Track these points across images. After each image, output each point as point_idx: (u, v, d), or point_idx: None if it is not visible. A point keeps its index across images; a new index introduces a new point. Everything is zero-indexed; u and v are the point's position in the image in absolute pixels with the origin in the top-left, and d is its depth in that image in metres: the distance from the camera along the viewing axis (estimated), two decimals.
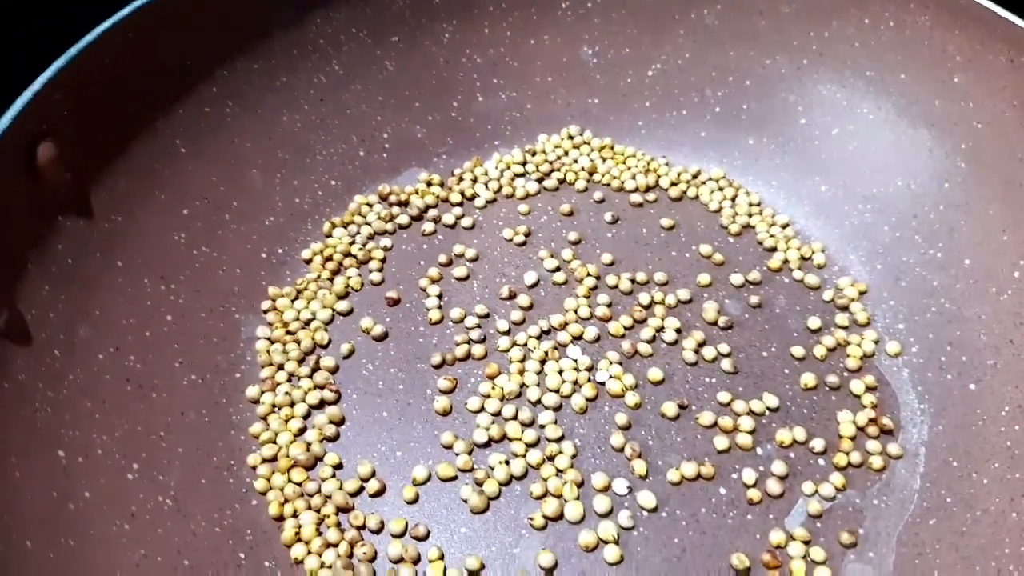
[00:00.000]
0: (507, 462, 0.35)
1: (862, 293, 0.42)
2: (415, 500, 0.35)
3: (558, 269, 0.42)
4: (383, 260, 0.43)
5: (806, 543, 0.34)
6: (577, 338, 0.40)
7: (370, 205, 0.45)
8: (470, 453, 0.36)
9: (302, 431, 0.36)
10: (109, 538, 0.29)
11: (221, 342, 0.38)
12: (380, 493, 0.35)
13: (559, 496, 0.34)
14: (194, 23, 0.39)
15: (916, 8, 0.41)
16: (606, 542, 0.33)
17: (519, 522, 0.34)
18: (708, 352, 0.39)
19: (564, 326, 0.40)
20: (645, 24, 0.47)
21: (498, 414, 0.37)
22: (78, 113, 0.34)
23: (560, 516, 0.34)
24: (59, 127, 0.33)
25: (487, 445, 0.36)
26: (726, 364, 0.39)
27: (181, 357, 0.37)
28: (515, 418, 0.37)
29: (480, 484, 0.35)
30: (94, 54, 0.35)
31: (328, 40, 0.44)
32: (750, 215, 0.45)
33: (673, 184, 0.46)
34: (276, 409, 0.37)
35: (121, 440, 0.32)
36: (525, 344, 0.39)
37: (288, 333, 0.39)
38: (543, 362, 0.39)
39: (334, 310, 0.40)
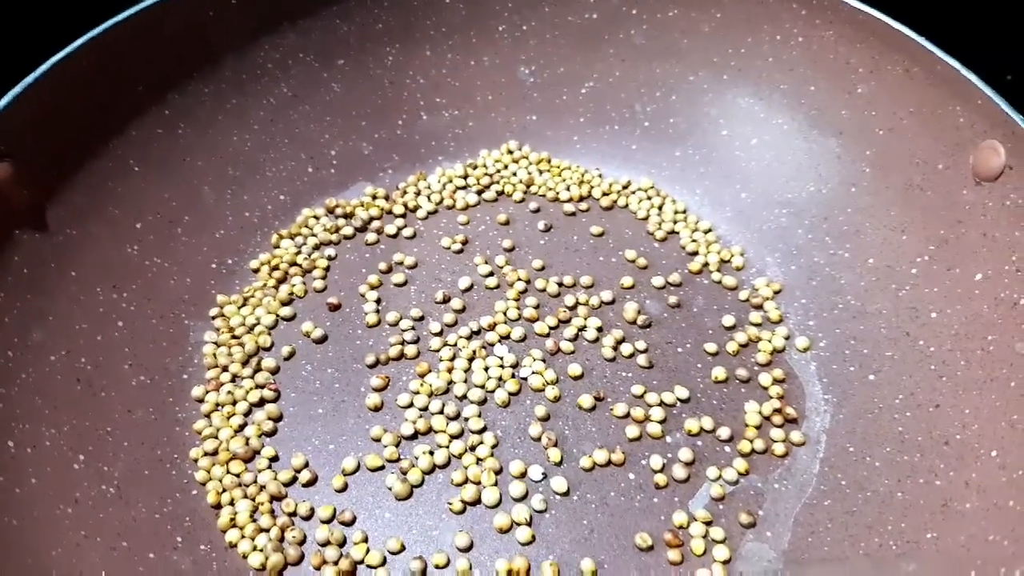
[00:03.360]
0: (431, 452, 0.38)
1: (777, 292, 0.44)
2: (344, 489, 0.37)
3: (491, 274, 0.45)
4: (327, 269, 0.46)
5: (707, 524, 0.36)
6: (505, 338, 0.42)
7: (317, 218, 0.47)
8: (397, 445, 0.38)
9: (242, 427, 0.39)
10: (52, 520, 0.32)
11: (171, 346, 0.41)
12: (312, 483, 0.37)
13: (477, 483, 0.37)
14: (146, 50, 0.42)
15: (821, 24, 0.44)
16: (519, 524, 0.36)
17: (440, 507, 0.37)
18: (626, 349, 0.42)
19: (493, 327, 0.43)
20: (577, 44, 0.50)
21: (425, 409, 0.40)
22: (35, 136, 0.37)
23: (478, 501, 0.37)
24: (16, 149, 0.36)
25: (414, 437, 0.39)
26: (642, 359, 0.41)
27: (131, 360, 0.39)
28: (441, 412, 0.39)
29: (404, 473, 0.37)
30: (50, 81, 0.38)
31: (276, 64, 0.47)
32: (675, 222, 0.48)
33: (605, 194, 0.49)
34: (219, 407, 0.40)
35: (69, 434, 0.35)
36: (455, 344, 0.42)
37: (233, 337, 0.42)
38: (471, 360, 0.41)
39: (278, 315, 0.43)
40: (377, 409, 0.40)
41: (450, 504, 0.36)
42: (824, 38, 0.44)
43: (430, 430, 0.39)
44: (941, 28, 0.42)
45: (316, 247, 0.46)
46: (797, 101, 0.46)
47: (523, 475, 0.37)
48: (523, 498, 0.37)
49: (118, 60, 0.41)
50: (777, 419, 0.39)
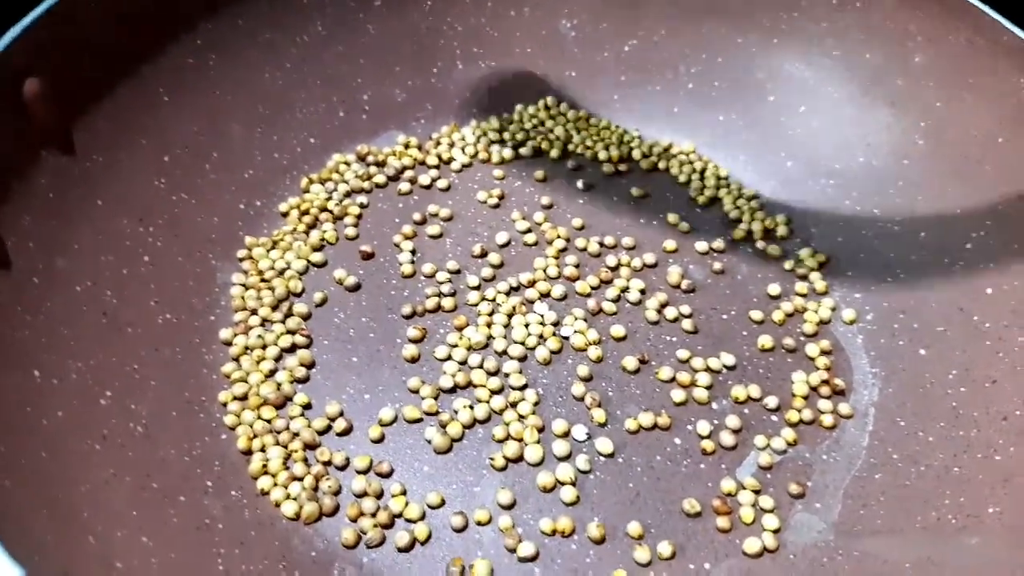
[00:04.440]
0: (471, 407, 0.36)
1: (822, 264, 0.43)
2: (381, 440, 0.36)
3: (529, 231, 0.44)
4: (359, 216, 0.44)
5: (756, 492, 0.35)
6: (545, 295, 0.41)
7: (348, 164, 0.46)
8: (436, 398, 0.37)
9: (273, 372, 0.37)
10: (80, 455, 0.30)
11: (197, 286, 0.39)
12: (347, 432, 0.36)
13: (520, 440, 0.36)
14: None
15: None
16: (563, 483, 0.35)
17: (480, 463, 0.35)
18: (670, 312, 0.40)
19: (532, 283, 0.41)
20: (622, 0, 0.49)
21: (464, 363, 0.38)
22: (64, 54, 0.35)
23: (520, 458, 0.35)
24: (45, 65, 0.34)
25: (452, 391, 0.37)
26: (687, 324, 0.40)
27: (156, 297, 0.37)
28: (481, 367, 0.38)
29: (444, 426, 0.36)
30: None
31: (311, 0, 0.45)
32: (718, 188, 0.46)
33: (645, 156, 0.48)
34: (248, 351, 0.38)
35: (95, 368, 0.33)
36: (494, 299, 0.40)
37: (263, 281, 0.40)
38: (510, 316, 0.40)
39: (308, 261, 0.41)
40: (414, 360, 0.38)
41: (491, 460, 0.35)
42: (884, 4, 0.43)
43: (469, 384, 0.37)
44: None
45: (347, 194, 0.44)
46: (849, 69, 0.45)
47: (566, 434, 0.36)
48: (567, 457, 0.35)
49: None
50: (825, 390, 0.38)
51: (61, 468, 0.29)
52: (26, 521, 0.26)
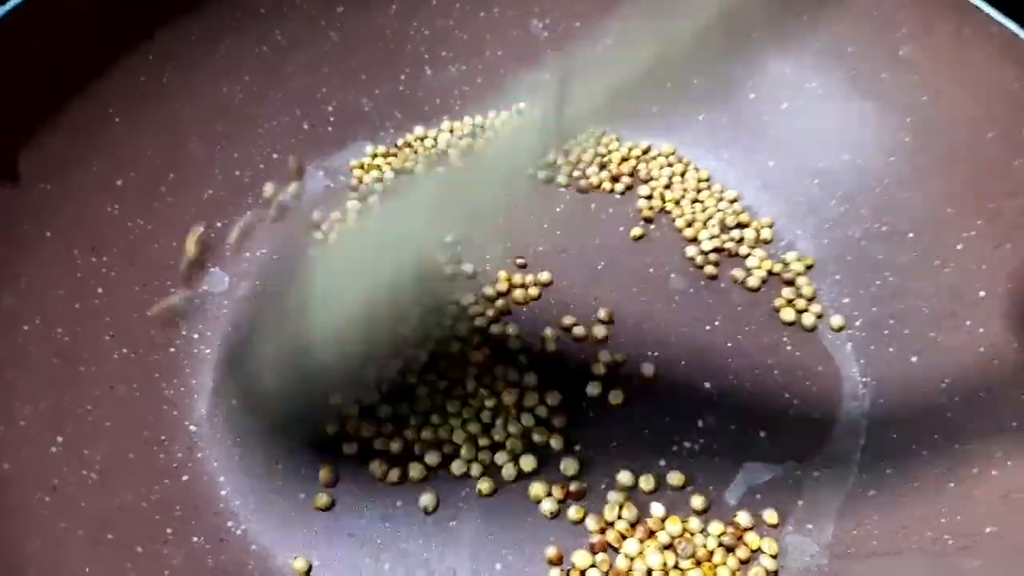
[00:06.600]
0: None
1: (808, 267, 0.42)
2: None
3: None
4: None
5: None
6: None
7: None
8: None
9: None
10: (28, 510, 0.29)
11: (155, 317, 0.37)
12: None
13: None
14: None
15: None
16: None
17: None
18: None
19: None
20: None
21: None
22: (4, 75, 0.33)
23: None
24: None
25: None
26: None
27: (112, 330, 0.36)
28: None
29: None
30: (24, 14, 0.34)
31: (270, 8, 0.43)
32: (699, 190, 0.44)
33: (624, 159, 0.46)
34: None
35: (45, 412, 0.32)
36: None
37: None
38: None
39: None
40: None
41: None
42: None
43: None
44: None
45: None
46: (832, 63, 0.43)
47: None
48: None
49: None
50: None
51: (7, 525, 0.28)
52: None
